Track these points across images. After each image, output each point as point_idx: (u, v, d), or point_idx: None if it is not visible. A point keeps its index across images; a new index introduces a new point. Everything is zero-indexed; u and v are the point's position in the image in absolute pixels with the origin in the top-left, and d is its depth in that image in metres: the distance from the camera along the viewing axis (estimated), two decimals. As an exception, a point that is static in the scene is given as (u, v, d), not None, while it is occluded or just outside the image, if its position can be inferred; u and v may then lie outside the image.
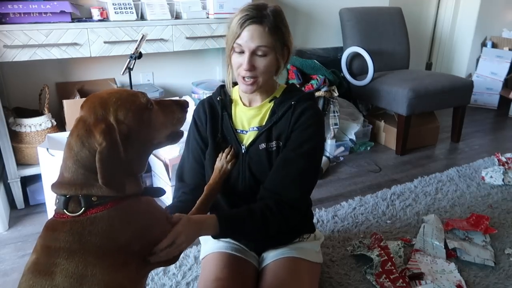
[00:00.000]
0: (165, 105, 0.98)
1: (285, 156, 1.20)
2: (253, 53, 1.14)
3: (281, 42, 1.17)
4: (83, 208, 0.84)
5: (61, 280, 0.79)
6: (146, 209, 0.94)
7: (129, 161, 0.88)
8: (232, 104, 1.30)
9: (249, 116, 1.27)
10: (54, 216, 0.88)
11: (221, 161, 1.26)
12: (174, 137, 1.00)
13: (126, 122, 0.87)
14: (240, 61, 1.15)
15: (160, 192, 1.03)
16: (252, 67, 1.14)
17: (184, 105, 1.01)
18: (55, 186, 0.87)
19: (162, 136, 0.97)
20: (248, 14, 1.12)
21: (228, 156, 1.26)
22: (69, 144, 0.86)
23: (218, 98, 1.30)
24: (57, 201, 0.87)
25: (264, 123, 1.25)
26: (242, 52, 1.15)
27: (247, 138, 1.26)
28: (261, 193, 1.21)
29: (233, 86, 1.33)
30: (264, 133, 1.23)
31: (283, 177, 1.18)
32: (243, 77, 1.17)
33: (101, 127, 0.83)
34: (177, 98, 1.07)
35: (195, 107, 1.38)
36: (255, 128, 1.26)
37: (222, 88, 1.33)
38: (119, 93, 0.91)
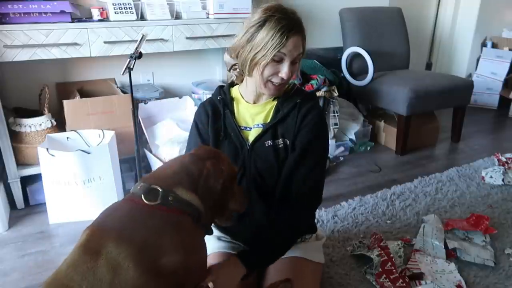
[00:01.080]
0: (241, 188, 1.18)
1: (298, 159, 1.22)
2: (292, 62, 1.16)
3: None
4: (158, 201, 0.90)
5: (103, 263, 0.81)
6: (195, 236, 0.98)
7: (213, 201, 1.01)
8: (234, 102, 1.30)
9: (253, 113, 1.28)
10: (123, 200, 0.95)
11: None
12: (228, 217, 1.16)
13: (221, 171, 1.03)
14: (277, 69, 1.15)
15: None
16: (290, 74, 1.17)
17: (247, 201, 1.20)
18: (146, 178, 0.97)
19: (227, 206, 1.11)
20: (288, 24, 1.11)
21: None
22: (181, 161, 1.02)
23: (218, 97, 1.31)
24: (138, 187, 0.94)
25: (268, 120, 1.26)
26: (280, 60, 1.14)
27: (252, 135, 1.27)
28: (277, 197, 1.25)
29: (231, 87, 1.34)
30: (270, 130, 1.24)
31: (298, 181, 1.21)
32: (276, 84, 1.18)
33: (212, 161, 1.02)
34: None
35: (196, 109, 1.38)
36: (260, 125, 1.26)
37: (221, 88, 1.34)
38: (224, 157, 1.11)
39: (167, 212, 0.90)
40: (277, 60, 1.13)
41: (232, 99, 1.30)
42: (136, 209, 0.90)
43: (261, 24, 1.12)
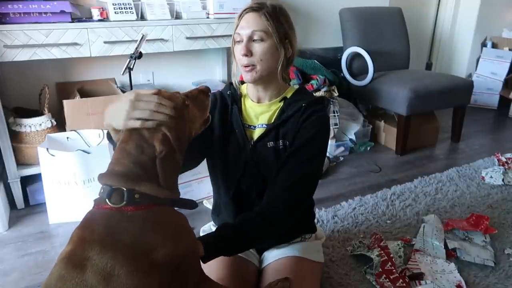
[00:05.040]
0: (195, 97, 1.05)
1: (288, 156, 1.20)
2: (249, 39, 1.17)
3: (280, 31, 1.18)
4: (124, 202, 0.87)
5: (90, 275, 0.80)
6: (177, 220, 0.96)
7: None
8: (242, 99, 1.32)
9: (258, 112, 1.28)
10: (94, 207, 0.91)
11: None
12: (205, 122, 1.09)
13: (175, 128, 0.93)
14: (239, 50, 1.19)
15: (192, 204, 1.04)
16: (248, 52, 1.17)
17: (207, 92, 1.09)
18: (102, 176, 0.91)
19: (198, 127, 1.05)
20: (246, 7, 1.19)
21: None
22: (124, 149, 0.91)
23: (228, 92, 1.32)
24: (101, 191, 0.91)
25: (272, 121, 1.26)
26: (241, 41, 1.18)
27: (255, 134, 1.27)
28: (267, 193, 1.20)
29: (241, 84, 1.35)
30: (273, 131, 1.24)
31: (283, 176, 1.18)
32: (244, 66, 1.20)
33: (159, 137, 0.90)
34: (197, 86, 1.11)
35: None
36: (264, 125, 1.27)
37: (231, 84, 1.35)
38: None
39: (139, 210, 0.88)
40: (239, 42, 1.19)
41: (241, 95, 1.32)
42: (109, 215, 0.87)
43: None
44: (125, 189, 0.88)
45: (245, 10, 1.19)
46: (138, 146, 0.90)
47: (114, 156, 0.93)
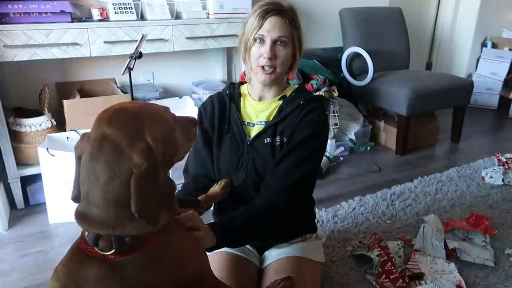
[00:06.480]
0: (183, 122, 0.89)
1: (286, 152, 1.21)
2: (274, 43, 1.19)
3: (297, 36, 1.23)
4: (113, 250, 0.75)
5: None
6: (180, 243, 0.86)
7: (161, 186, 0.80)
8: (241, 98, 1.34)
9: (257, 109, 1.31)
10: (81, 244, 0.79)
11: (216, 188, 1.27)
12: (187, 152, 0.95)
13: (161, 140, 0.78)
14: (261, 51, 1.20)
15: (193, 204, 1.02)
16: (273, 55, 1.19)
17: (195, 121, 0.95)
18: (82, 221, 0.77)
19: (181, 155, 0.88)
20: (269, 7, 1.19)
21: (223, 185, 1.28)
22: (93, 170, 0.74)
23: (227, 92, 1.34)
24: (86, 234, 0.78)
25: (271, 119, 1.28)
26: (262, 42, 1.20)
27: (254, 131, 1.29)
28: (261, 188, 1.23)
29: (241, 85, 1.37)
30: (271, 128, 1.26)
31: (282, 173, 1.20)
32: (262, 67, 1.21)
33: (140, 147, 0.73)
34: (186, 115, 0.98)
35: (196, 108, 1.40)
36: (262, 123, 1.29)
37: (231, 84, 1.37)
38: (149, 107, 0.82)
39: (134, 253, 0.76)
40: (260, 42, 1.20)
41: (239, 94, 1.34)
42: (101, 262, 0.75)
43: (251, 14, 1.23)
44: (112, 236, 0.75)
45: (269, 12, 1.18)
46: (109, 165, 0.73)
47: (84, 181, 0.76)
